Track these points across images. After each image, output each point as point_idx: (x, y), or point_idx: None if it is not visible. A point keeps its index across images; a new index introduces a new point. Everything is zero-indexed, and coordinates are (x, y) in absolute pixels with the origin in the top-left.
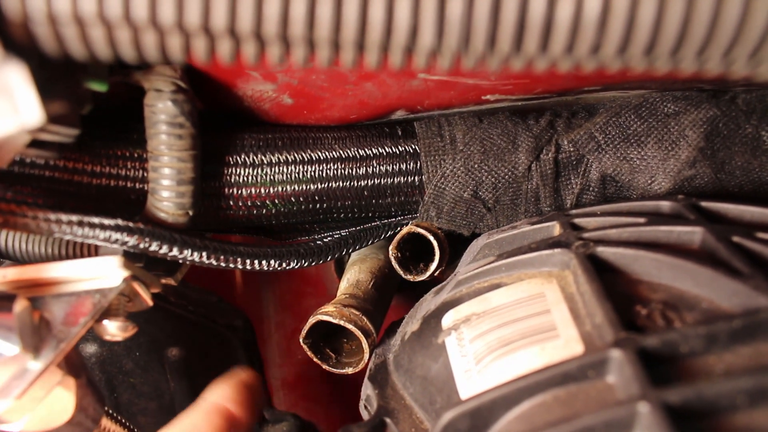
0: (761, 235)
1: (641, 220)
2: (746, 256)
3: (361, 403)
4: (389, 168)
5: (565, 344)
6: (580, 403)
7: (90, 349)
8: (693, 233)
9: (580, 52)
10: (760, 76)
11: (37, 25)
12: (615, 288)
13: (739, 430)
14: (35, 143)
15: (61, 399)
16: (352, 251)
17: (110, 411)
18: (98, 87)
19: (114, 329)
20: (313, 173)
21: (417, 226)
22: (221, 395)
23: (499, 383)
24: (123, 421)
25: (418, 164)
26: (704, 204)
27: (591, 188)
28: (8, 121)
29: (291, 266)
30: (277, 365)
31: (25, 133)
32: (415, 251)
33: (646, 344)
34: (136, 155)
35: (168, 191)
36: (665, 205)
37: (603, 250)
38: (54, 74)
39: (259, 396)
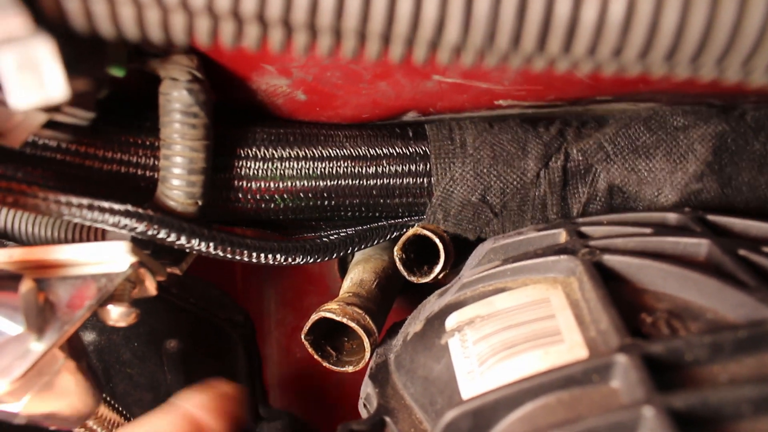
0: (767, 249)
1: (647, 230)
2: (752, 269)
3: (361, 402)
4: (398, 168)
5: (569, 349)
6: (584, 406)
7: (88, 337)
8: (699, 245)
9: (602, 55)
10: None
11: (68, 0)
12: (620, 296)
13: None
14: (50, 124)
15: (62, 381)
16: (358, 250)
17: (108, 399)
18: (117, 72)
19: (117, 315)
20: (323, 170)
21: (423, 228)
22: (193, 401)
23: (502, 384)
24: (120, 409)
25: (428, 166)
26: (710, 217)
27: (598, 198)
28: (34, 94)
29: (296, 262)
30: (275, 363)
31: (43, 111)
32: (419, 253)
33: (651, 351)
34: (148, 143)
35: (179, 180)
36: (672, 216)
37: (609, 259)
38: (80, 52)
39: (240, 409)
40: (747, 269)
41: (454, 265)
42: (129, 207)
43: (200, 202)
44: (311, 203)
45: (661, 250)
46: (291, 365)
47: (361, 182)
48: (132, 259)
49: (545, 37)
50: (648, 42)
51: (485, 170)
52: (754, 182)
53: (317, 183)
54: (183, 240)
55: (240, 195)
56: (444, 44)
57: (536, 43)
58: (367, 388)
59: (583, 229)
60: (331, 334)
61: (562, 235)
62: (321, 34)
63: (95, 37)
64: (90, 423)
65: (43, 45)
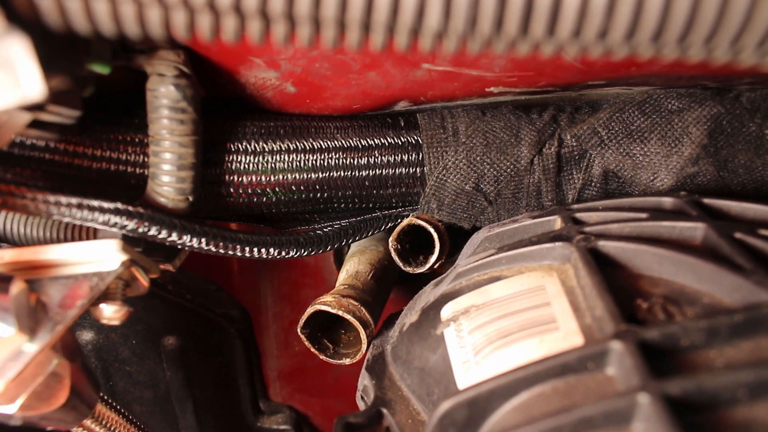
0: (764, 232)
1: (643, 215)
2: (748, 253)
3: (358, 394)
4: (391, 159)
5: (564, 336)
6: (579, 394)
7: (87, 336)
8: (695, 229)
9: (588, 37)
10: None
11: None
12: (616, 282)
13: (739, 423)
14: (36, 124)
15: (56, 382)
16: (352, 242)
17: (106, 398)
18: (101, 69)
19: (111, 313)
20: (314, 162)
21: (417, 218)
22: None
23: (498, 374)
24: (119, 408)
25: (420, 156)
26: (706, 201)
27: (593, 183)
28: (10, 94)
29: (290, 255)
30: (274, 356)
31: (26, 110)
32: (415, 243)
33: (646, 337)
34: (137, 140)
35: (168, 176)
36: (667, 201)
37: (604, 245)
38: (57, 49)
39: None
40: (743, 252)
41: (450, 255)
42: (119, 205)
43: (191, 198)
44: (303, 196)
45: (656, 235)
46: (289, 358)
47: (354, 173)
48: (123, 257)
49: (528, 20)
50: (633, 23)
51: (478, 158)
52: (751, 164)
53: (309, 175)
54: (174, 236)
55: (231, 189)
56: (425, 31)
57: (519, 27)
58: (364, 380)
59: (579, 215)
60: (327, 327)
61: (557, 222)
62: (300, 23)
63: (72, 34)
64: (87, 422)
65: (17, 43)
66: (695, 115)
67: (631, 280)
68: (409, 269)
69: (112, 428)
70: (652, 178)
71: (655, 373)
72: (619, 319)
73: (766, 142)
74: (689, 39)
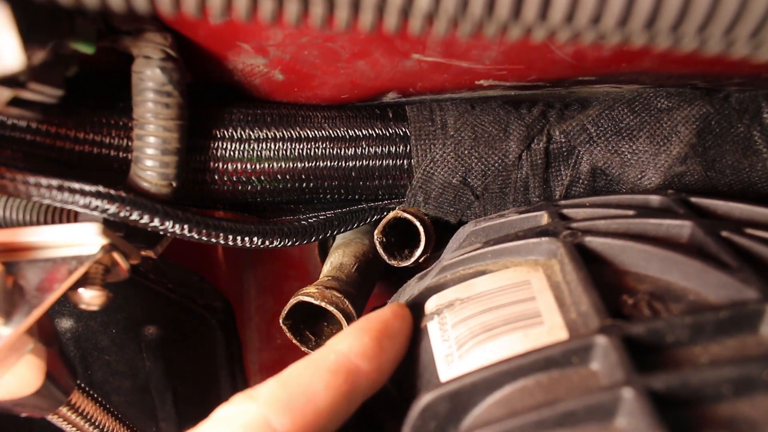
0: (750, 231)
1: (630, 212)
2: (734, 251)
3: None
4: (378, 150)
5: (549, 331)
6: (563, 388)
7: (65, 324)
8: (682, 227)
9: (581, 22)
10: (759, 58)
11: None
12: (602, 278)
13: (722, 419)
14: (17, 102)
15: (32, 367)
16: (337, 233)
17: (84, 386)
18: (85, 49)
19: (89, 298)
20: (300, 151)
21: (404, 211)
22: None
23: (481, 367)
24: (96, 397)
25: (408, 148)
26: (694, 199)
27: (581, 180)
28: None
29: (274, 244)
30: (256, 349)
31: (6, 87)
32: (400, 237)
33: (631, 332)
34: (121, 123)
35: (152, 160)
36: (655, 199)
37: (591, 240)
38: (38, 21)
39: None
40: (729, 250)
41: (436, 249)
42: (100, 188)
43: (174, 184)
44: (289, 185)
45: (643, 232)
46: (271, 351)
47: (340, 164)
48: (103, 241)
49: (520, 2)
50: (627, 8)
51: (466, 152)
52: (738, 165)
53: (295, 164)
54: (156, 222)
55: (216, 177)
56: (415, 11)
57: (511, 9)
58: None
59: (566, 211)
60: (310, 319)
61: (543, 218)
62: (288, 0)
63: (54, 4)
64: (64, 411)
65: None
66: (684, 114)
67: (617, 276)
68: (393, 262)
69: (89, 417)
70: (639, 176)
71: (640, 369)
72: (604, 314)
73: (753, 144)
74: (683, 27)
